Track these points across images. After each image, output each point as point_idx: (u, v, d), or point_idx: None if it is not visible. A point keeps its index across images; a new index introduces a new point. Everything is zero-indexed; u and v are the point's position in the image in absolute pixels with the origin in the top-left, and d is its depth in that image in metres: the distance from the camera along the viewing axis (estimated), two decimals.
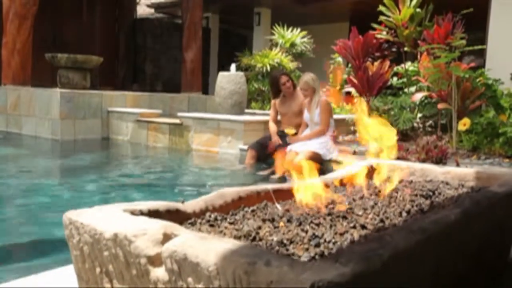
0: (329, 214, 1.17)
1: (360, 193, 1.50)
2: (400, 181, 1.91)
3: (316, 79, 4.79)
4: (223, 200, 1.27)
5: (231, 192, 1.31)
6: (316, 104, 4.69)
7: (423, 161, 4.43)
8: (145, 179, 4.12)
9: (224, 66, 11.87)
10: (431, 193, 1.48)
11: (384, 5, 6.92)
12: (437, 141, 6.24)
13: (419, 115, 7.02)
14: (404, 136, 6.49)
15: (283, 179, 3.82)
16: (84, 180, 3.86)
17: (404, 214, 1.26)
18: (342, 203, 1.31)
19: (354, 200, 1.38)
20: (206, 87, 11.69)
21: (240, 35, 14.09)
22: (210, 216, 1.20)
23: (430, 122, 7.09)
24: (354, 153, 5.01)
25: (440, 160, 4.39)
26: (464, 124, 5.22)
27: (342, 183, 1.75)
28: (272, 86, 5.06)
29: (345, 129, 6.81)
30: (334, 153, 4.67)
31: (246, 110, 7.10)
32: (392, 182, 1.61)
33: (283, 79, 4.90)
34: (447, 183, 1.76)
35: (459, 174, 1.77)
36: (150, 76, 11.41)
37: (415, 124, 6.95)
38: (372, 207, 1.29)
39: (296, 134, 4.78)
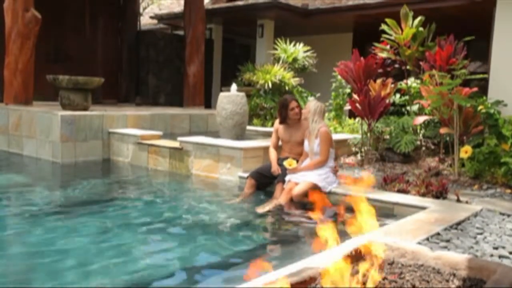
0: None
1: None
2: (391, 263, 1.88)
3: (320, 109, 4.72)
4: None
5: None
6: (315, 134, 4.65)
7: (423, 195, 4.39)
8: (142, 216, 4.08)
9: (227, 77, 11.86)
10: None
11: (386, 23, 6.85)
12: (439, 163, 6.20)
13: (421, 133, 6.95)
14: (406, 158, 6.42)
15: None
16: (79, 218, 3.85)
17: None
18: None
19: None
20: (209, 99, 11.68)
21: (244, 45, 14.08)
22: None
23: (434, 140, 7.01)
24: (355, 182, 4.97)
25: (441, 194, 4.34)
26: (465, 151, 5.16)
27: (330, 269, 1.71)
28: (281, 109, 4.92)
29: (346, 150, 6.75)
30: (334, 185, 4.64)
31: (248, 127, 7.08)
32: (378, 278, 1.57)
33: (293, 104, 4.86)
34: (438, 271, 1.72)
35: (451, 261, 1.73)
36: (153, 88, 11.41)
37: (418, 142, 6.87)
38: None
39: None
